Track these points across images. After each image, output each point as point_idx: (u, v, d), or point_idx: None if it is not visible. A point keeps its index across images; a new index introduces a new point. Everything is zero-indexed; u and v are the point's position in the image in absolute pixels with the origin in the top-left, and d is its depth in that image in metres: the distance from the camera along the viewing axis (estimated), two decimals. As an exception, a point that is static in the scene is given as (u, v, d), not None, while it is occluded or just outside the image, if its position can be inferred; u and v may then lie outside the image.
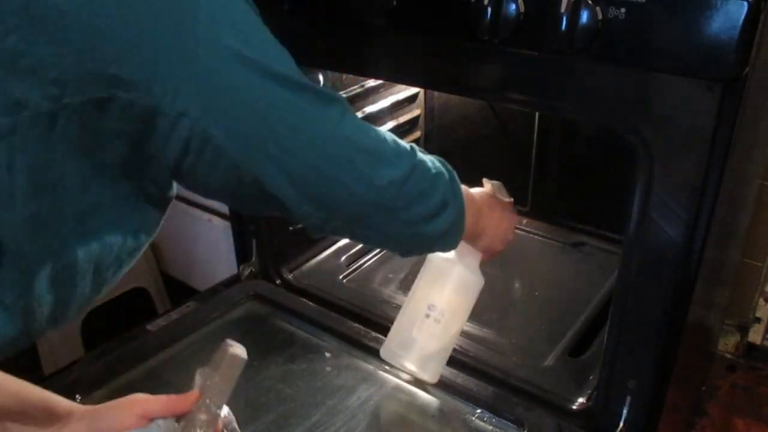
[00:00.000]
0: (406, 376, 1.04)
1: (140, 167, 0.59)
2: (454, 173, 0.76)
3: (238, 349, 0.73)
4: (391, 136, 0.70)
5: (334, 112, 0.64)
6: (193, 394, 0.69)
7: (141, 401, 0.68)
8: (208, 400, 0.68)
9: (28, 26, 0.47)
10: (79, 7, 0.49)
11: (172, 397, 0.69)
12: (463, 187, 0.78)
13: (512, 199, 0.96)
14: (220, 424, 0.70)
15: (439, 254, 0.94)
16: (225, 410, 0.71)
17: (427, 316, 0.93)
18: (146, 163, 0.58)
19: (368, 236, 0.74)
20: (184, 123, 0.55)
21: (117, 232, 0.65)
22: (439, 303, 0.94)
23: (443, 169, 0.74)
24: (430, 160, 0.73)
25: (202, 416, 0.67)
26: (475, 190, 0.89)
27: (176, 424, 0.68)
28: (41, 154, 0.51)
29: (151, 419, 0.67)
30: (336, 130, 0.64)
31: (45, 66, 0.49)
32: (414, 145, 0.72)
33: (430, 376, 0.99)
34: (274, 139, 0.61)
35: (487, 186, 0.94)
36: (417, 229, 0.72)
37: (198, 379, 0.70)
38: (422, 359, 0.97)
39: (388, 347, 1.00)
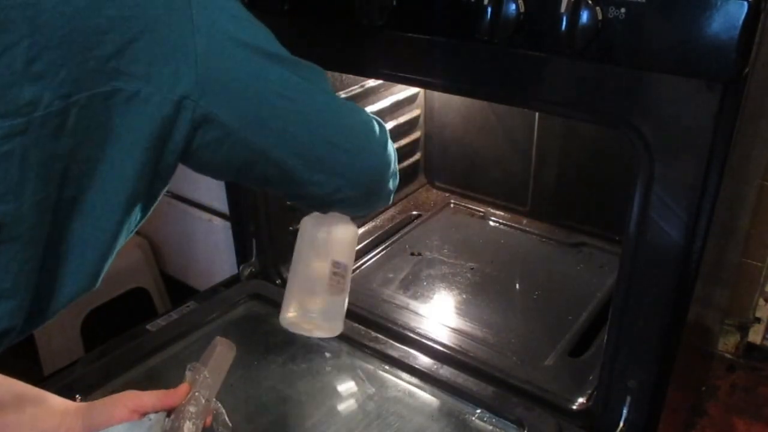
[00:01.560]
0: (406, 377, 1.04)
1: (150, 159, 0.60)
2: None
3: (227, 345, 0.76)
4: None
5: (325, 83, 0.70)
6: (184, 387, 0.72)
7: (133, 396, 0.71)
8: (197, 393, 0.71)
9: (37, 32, 0.49)
10: (78, 8, 0.51)
11: (163, 391, 0.72)
12: None
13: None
14: (210, 416, 0.72)
15: (313, 215, 0.94)
16: (215, 403, 0.73)
17: (335, 273, 0.94)
18: (159, 153, 0.59)
19: (375, 201, 0.79)
20: (187, 106, 0.57)
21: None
22: (342, 259, 0.94)
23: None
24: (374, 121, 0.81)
25: (192, 408, 0.70)
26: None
27: (167, 418, 0.70)
28: (52, 149, 0.53)
29: (144, 413, 0.70)
30: (330, 99, 0.70)
31: (54, 68, 0.51)
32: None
33: (336, 329, 0.96)
34: (274, 113, 0.64)
35: None
36: (392, 185, 0.79)
37: (188, 373, 0.73)
38: (328, 316, 0.96)
39: (287, 312, 0.96)
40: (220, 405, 0.74)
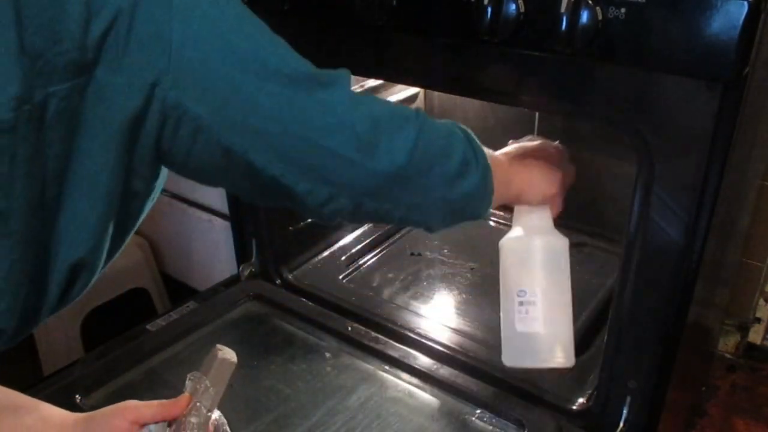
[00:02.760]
0: (406, 377, 1.04)
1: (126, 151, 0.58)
2: (470, 132, 0.73)
3: (228, 354, 0.73)
4: (389, 102, 0.68)
5: (325, 78, 0.61)
6: (184, 398, 0.70)
7: (133, 407, 0.69)
8: (199, 404, 0.69)
9: (23, 19, 0.48)
10: None
11: (164, 402, 0.69)
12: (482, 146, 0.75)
13: (550, 142, 0.90)
14: (212, 427, 0.71)
15: (508, 235, 0.88)
16: (216, 413, 0.72)
17: (521, 303, 0.84)
18: (131, 146, 0.57)
19: (387, 211, 0.68)
20: (157, 95, 0.54)
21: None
22: (526, 284, 0.85)
23: (456, 129, 0.71)
24: (439, 122, 0.71)
25: (194, 419, 0.68)
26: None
27: (168, 429, 0.69)
28: (37, 144, 0.52)
29: (144, 424, 0.68)
30: (327, 96, 0.61)
31: (36, 57, 0.49)
32: (420, 108, 0.70)
33: (564, 361, 0.87)
34: (254, 109, 0.58)
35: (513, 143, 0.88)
36: (441, 193, 0.68)
37: (189, 383, 0.71)
38: (542, 348, 0.86)
39: (506, 354, 0.89)
40: (221, 415, 0.72)
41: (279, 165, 0.60)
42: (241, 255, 1.31)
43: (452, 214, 0.73)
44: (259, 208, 1.24)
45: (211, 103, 0.56)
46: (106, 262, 0.64)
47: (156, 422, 0.68)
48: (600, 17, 0.69)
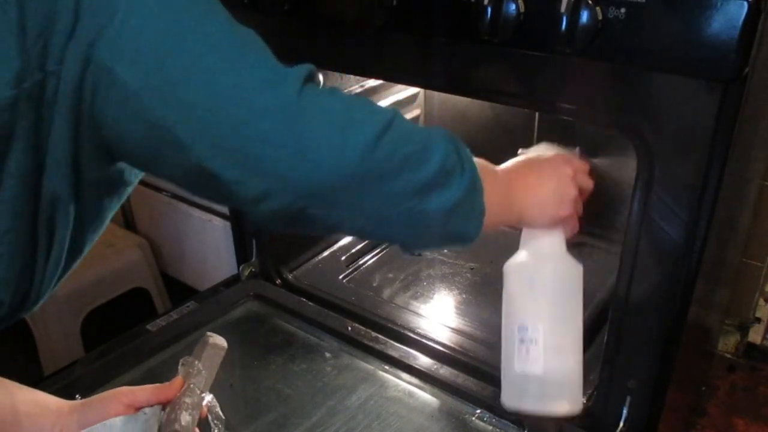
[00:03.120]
0: (406, 377, 1.04)
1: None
2: (460, 142, 0.64)
3: (218, 339, 0.76)
4: (361, 98, 0.61)
5: (268, 57, 0.56)
6: (177, 381, 0.72)
7: (127, 391, 0.71)
8: (192, 385, 0.72)
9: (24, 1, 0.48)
10: None
11: (158, 385, 0.72)
12: (479, 160, 0.65)
13: (568, 152, 0.79)
14: (205, 409, 0.73)
15: (512, 260, 0.78)
16: (209, 396, 0.74)
17: (521, 341, 0.73)
18: (77, 116, 0.56)
19: (342, 220, 0.59)
20: (93, 56, 0.52)
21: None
22: (529, 319, 0.74)
23: (441, 136, 0.62)
24: (422, 127, 0.64)
25: (188, 399, 0.70)
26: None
27: (162, 411, 0.71)
28: (37, 121, 0.52)
29: (138, 408, 0.70)
30: (272, 75, 0.54)
31: (36, 37, 0.50)
32: (397, 110, 0.61)
33: (568, 407, 0.76)
34: (186, 81, 0.53)
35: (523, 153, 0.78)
36: (410, 205, 0.59)
37: (181, 368, 0.74)
38: (543, 393, 0.75)
39: (505, 394, 0.79)
40: (213, 398, 0.74)
41: (206, 144, 0.54)
42: (241, 255, 1.31)
43: (429, 232, 0.63)
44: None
45: (142, 70, 0.52)
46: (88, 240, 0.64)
47: (151, 405, 0.70)
48: (600, 17, 0.69)
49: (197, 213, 1.54)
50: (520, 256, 0.78)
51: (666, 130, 0.73)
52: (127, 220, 1.76)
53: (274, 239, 1.28)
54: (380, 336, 1.11)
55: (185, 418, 0.69)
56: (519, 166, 0.75)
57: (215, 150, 0.54)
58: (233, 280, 1.29)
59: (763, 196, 1.30)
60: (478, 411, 0.98)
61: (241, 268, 1.29)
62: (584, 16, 0.69)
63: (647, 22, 0.67)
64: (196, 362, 0.73)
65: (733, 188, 0.87)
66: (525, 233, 0.79)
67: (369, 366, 1.07)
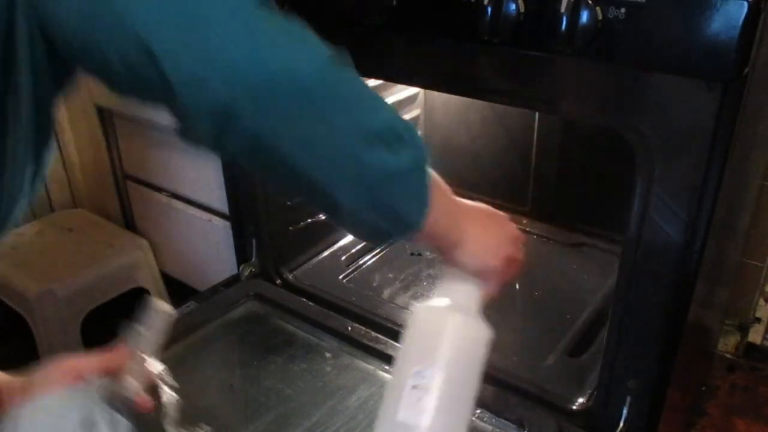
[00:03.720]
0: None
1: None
2: (418, 133, 0.61)
3: (163, 304, 0.76)
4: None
5: None
6: (122, 348, 0.71)
7: (72, 362, 0.69)
8: (138, 351, 0.71)
9: None
10: None
11: (102, 354, 0.70)
12: (437, 175, 0.63)
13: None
14: (157, 380, 0.72)
15: (424, 303, 0.75)
16: (159, 366, 0.72)
17: (414, 387, 0.67)
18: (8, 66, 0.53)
19: (274, 135, 0.52)
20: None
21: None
22: (427, 367, 0.68)
23: (399, 116, 0.59)
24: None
25: (135, 366, 0.69)
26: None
27: (109, 380, 0.69)
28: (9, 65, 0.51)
29: (84, 379, 0.68)
30: None
31: None
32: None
33: None
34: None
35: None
36: (355, 149, 0.54)
37: (126, 334, 0.72)
38: None
39: None
40: (166, 368, 0.73)
41: (143, 12, 0.48)
42: (241, 255, 1.31)
43: (366, 191, 0.57)
44: (258, 207, 1.24)
45: (73, 22, 0.50)
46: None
47: (98, 375, 0.68)
48: (600, 17, 0.69)
49: (197, 213, 1.54)
50: (434, 301, 0.75)
51: (666, 130, 0.73)
52: (127, 220, 1.76)
53: (274, 239, 1.28)
54: (380, 336, 1.11)
55: (130, 382, 0.68)
56: (473, 204, 0.73)
57: (158, 22, 0.48)
58: (233, 280, 1.29)
59: (763, 196, 1.30)
60: (478, 411, 0.97)
61: (241, 268, 1.29)
62: (584, 16, 0.69)
63: (647, 22, 0.67)
64: (140, 327, 0.72)
65: (733, 188, 0.88)
66: (445, 279, 0.76)
67: (369, 366, 1.07)
